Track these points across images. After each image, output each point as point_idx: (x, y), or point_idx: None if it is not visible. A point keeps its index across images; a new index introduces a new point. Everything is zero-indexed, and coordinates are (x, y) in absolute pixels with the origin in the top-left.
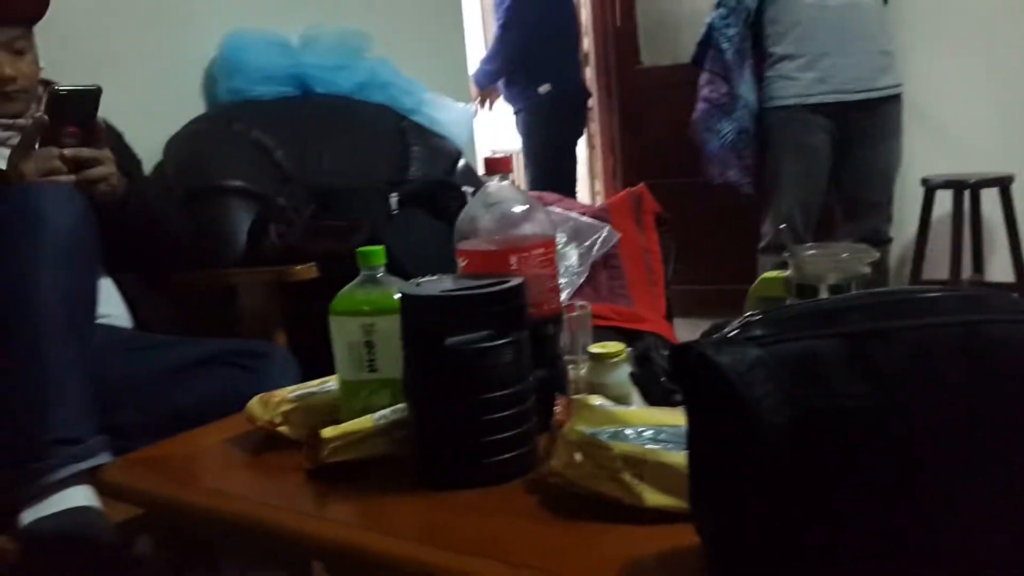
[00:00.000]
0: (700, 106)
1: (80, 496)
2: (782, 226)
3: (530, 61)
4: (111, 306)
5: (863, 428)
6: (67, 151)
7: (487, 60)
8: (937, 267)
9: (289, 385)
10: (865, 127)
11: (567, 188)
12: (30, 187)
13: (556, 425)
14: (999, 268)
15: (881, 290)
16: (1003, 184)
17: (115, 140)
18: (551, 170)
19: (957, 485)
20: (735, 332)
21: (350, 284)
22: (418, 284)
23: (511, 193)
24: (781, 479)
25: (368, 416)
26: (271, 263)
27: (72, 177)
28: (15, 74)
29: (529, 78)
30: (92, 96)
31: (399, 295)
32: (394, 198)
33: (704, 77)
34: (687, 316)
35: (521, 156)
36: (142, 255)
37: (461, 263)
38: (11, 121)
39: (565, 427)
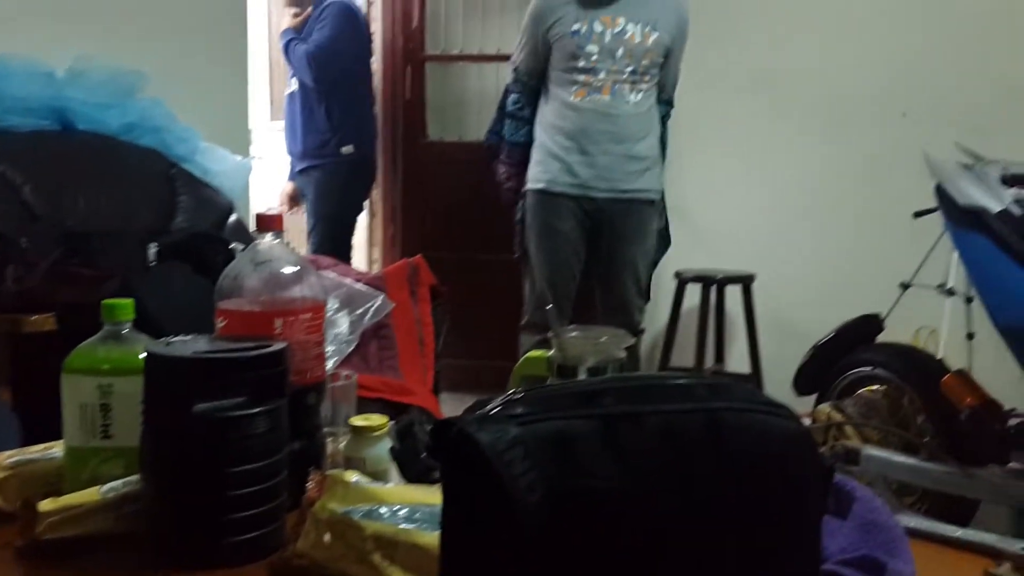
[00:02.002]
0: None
1: None
2: (548, 307)
3: (340, 119)
4: None
5: (612, 509)
6: None
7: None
8: (684, 355)
9: (8, 449)
10: (615, 224)
11: (346, 254)
12: None
13: (308, 502)
14: (738, 359)
15: (635, 375)
16: (745, 282)
17: None
18: (338, 235)
19: (700, 567)
20: (497, 409)
21: (90, 339)
22: (167, 343)
23: (282, 253)
24: (532, 560)
25: (95, 488)
26: (5, 310)
27: None
28: None
29: (334, 135)
30: None
31: (144, 354)
32: (153, 248)
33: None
34: (455, 390)
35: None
36: None
37: (220, 323)
38: None
39: (316, 504)
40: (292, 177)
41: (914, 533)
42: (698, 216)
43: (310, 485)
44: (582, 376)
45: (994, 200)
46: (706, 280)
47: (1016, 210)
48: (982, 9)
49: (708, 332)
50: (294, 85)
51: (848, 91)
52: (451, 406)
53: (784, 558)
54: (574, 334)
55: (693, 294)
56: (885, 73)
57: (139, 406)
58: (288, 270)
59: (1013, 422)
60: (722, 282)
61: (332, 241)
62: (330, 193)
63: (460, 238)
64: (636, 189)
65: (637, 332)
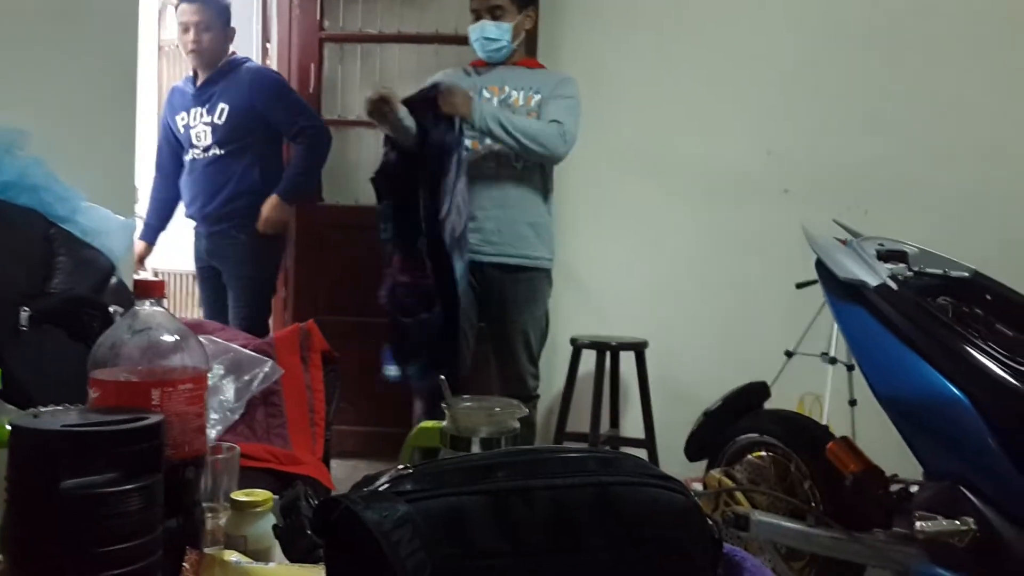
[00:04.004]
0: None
1: None
2: (441, 378)
3: (268, 175)
4: None
5: None
6: None
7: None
8: (580, 420)
9: None
10: (505, 290)
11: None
12: None
13: None
14: (632, 424)
15: (526, 448)
16: (638, 349)
17: None
18: (268, 299)
19: None
20: (385, 486)
21: None
22: (35, 415)
23: (162, 320)
24: None
25: None
26: None
27: None
28: None
29: (264, 191)
30: None
31: (9, 426)
32: (25, 312)
33: None
34: (348, 458)
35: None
36: None
37: (93, 394)
38: None
39: None
40: (144, 237)
41: None
42: (592, 284)
43: (186, 566)
44: (475, 447)
45: (872, 275)
46: (600, 346)
47: (892, 284)
48: (861, 93)
49: (603, 397)
50: (210, 151)
51: (733, 169)
52: (344, 473)
53: None
54: (467, 405)
55: (588, 360)
56: (768, 152)
57: (3, 481)
58: (168, 338)
59: (895, 488)
60: (616, 348)
61: (265, 309)
62: (257, 253)
63: (354, 302)
64: (523, 255)
65: (531, 398)
